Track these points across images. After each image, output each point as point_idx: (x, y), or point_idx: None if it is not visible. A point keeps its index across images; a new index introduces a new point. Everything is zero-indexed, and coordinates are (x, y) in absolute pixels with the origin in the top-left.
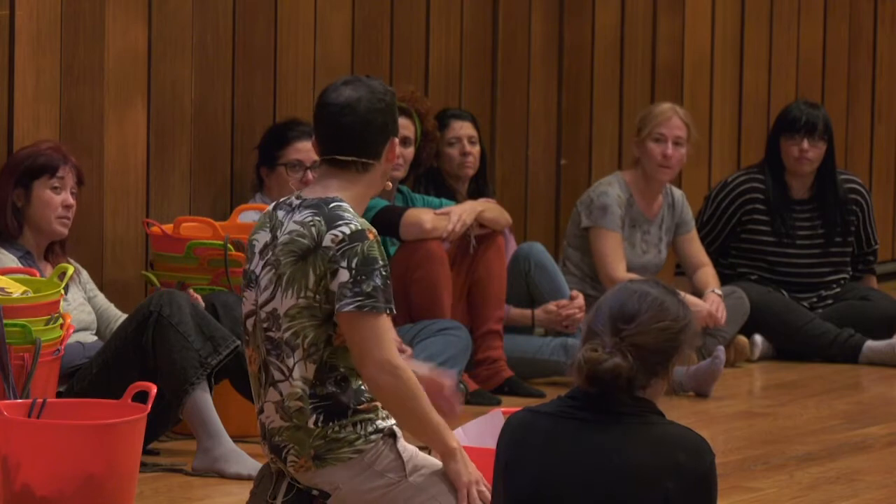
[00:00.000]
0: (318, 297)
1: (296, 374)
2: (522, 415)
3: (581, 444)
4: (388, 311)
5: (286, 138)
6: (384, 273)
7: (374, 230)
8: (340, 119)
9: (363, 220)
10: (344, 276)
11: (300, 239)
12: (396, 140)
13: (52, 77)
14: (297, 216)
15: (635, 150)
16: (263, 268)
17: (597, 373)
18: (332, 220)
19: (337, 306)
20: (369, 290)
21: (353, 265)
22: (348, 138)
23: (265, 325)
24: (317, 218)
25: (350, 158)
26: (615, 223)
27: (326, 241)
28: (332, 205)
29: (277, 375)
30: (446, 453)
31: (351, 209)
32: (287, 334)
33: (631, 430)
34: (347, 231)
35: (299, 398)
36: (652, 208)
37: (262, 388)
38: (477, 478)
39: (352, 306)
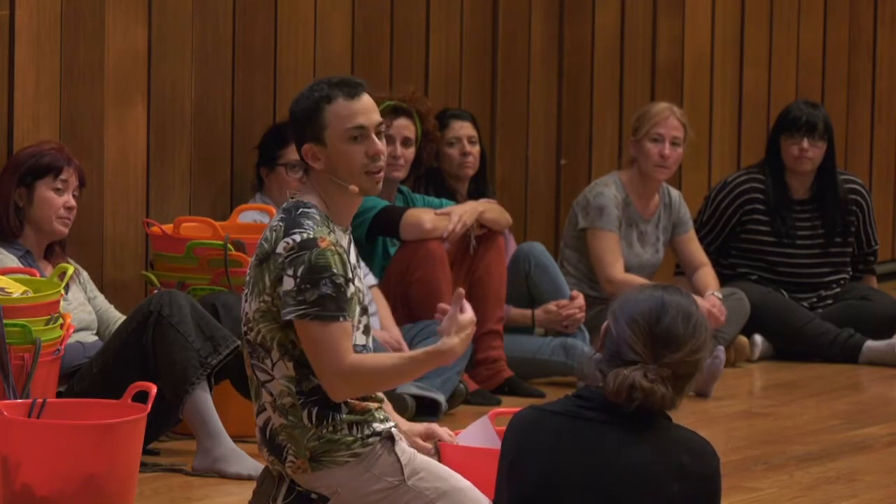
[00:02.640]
0: (275, 301)
1: (277, 373)
2: (529, 412)
3: (587, 443)
4: (340, 319)
5: (286, 138)
6: (336, 281)
7: (329, 238)
8: None
9: (321, 229)
10: (288, 284)
11: (264, 243)
12: (311, 146)
13: (52, 77)
14: (273, 221)
15: (632, 150)
16: (249, 269)
17: (646, 402)
18: (291, 227)
19: (282, 313)
20: (313, 298)
21: (299, 273)
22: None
23: (245, 329)
24: (281, 223)
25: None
26: (612, 223)
27: (279, 248)
28: (300, 210)
29: (263, 376)
30: (435, 359)
31: (317, 216)
32: (258, 337)
33: (637, 432)
34: (298, 239)
35: (289, 395)
36: (648, 208)
37: (257, 389)
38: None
39: (293, 315)
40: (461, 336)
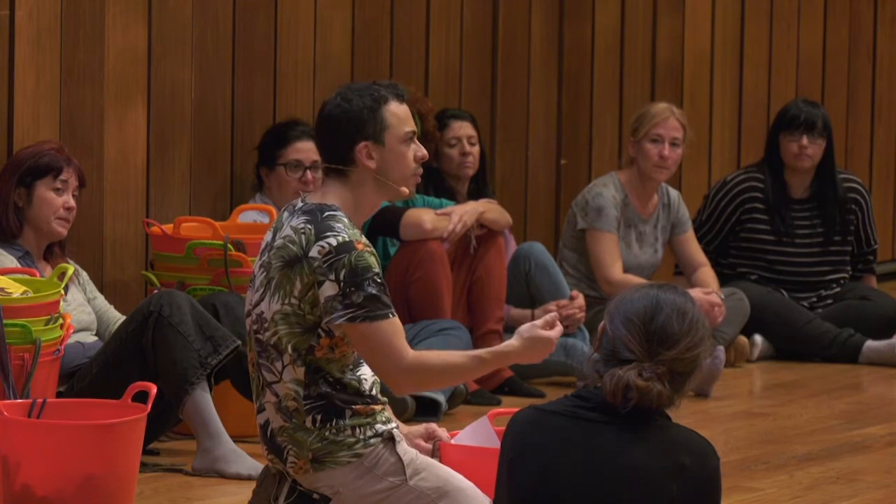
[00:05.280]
0: (303, 305)
1: (286, 376)
2: (529, 412)
3: (587, 443)
4: (389, 316)
5: (286, 138)
6: (378, 280)
7: (364, 241)
8: (315, 126)
9: (354, 232)
10: (332, 289)
11: (291, 245)
12: (367, 144)
13: (52, 77)
14: (294, 221)
15: (631, 151)
16: (259, 268)
17: (642, 401)
18: (322, 230)
19: (327, 319)
20: (360, 300)
21: (342, 277)
22: (320, 145)
23: (255, 328)
24: (308, 226)
25: (324, 165)
26: (611, 224)
27: (313, 252)
28: (325, 213)
29: (270, 377)
30: (498, 359)
31: (345, 219)
32: (273, 338)
33: (637, 432)
34: (334, 243)
35: (294, 399)
36: (647, 208)
37: (260, 389)
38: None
39: (343, 319)
40: (524, 343)
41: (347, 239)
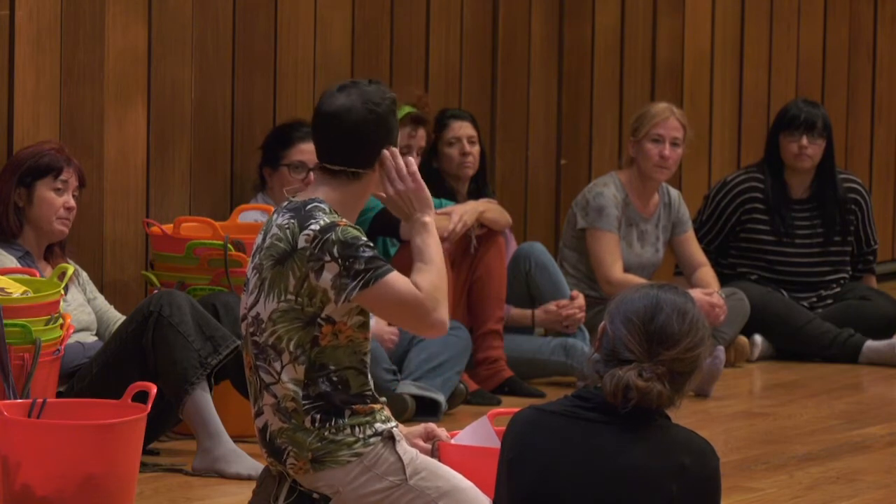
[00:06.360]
0: (300, 299)
1: (285, 376)
2: (528, 412)
3: (587, 443)
4: (393, 269)
5: (290, 139)
6: (370, 245)
7: (344, 220)
8: (329, 129)
9: (335, 216)
10: (333, 269)
11: (278, 243)
12: (392, 149)
13: (52, 77)
14: (280, 220)
15: (631, 150)
16: (252, 271)
17: (642, 401)
18: (304, 220)
19: (343, 297)
20: (363, 266)
21: (336, 253)
22: (336, 148)
23: (251, 330)
24: (292, 221)
25: (338, 168)
26: (611, 224)
27: (301, 243)
28: (309, 206)
29: (268, 378)
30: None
31: (327, 208)
32: (272, 339)
33: (637, 432)
34: (317, 227)
35: (293, 399)
36: (648, 207)
37: (258, 391)
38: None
39: (357, 290)
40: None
41: (328, 221)
